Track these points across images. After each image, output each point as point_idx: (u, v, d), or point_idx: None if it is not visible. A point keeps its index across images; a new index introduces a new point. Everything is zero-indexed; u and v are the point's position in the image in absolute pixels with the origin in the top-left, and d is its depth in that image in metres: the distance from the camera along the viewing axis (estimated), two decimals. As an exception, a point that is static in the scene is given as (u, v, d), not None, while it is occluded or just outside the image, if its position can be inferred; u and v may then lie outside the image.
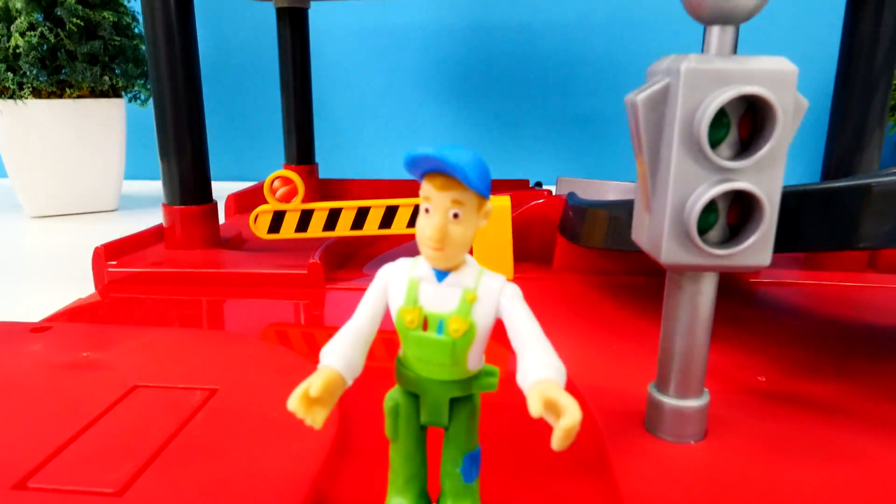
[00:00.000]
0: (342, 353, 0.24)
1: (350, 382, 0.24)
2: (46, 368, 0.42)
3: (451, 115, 1.45)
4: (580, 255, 0.63)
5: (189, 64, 0.67)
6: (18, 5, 0.93)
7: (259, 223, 0.62)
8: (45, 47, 0.95)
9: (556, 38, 1.39)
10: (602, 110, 1.41)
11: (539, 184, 0.97)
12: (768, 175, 0.29)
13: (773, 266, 0.66)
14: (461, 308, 0.24)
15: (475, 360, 0.25)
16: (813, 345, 0.47)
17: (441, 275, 0.24)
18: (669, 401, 0.33)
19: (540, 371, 0.22)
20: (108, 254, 0.64)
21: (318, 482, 0.30)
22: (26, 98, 0.95)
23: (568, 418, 0.20)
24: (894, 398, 0.39)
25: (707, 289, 0.32)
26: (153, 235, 0.73)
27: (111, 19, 1.01)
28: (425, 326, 0.24)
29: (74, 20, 0.96)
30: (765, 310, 0.55)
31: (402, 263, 0.26)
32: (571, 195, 0.62)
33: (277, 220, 0.62)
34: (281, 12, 1.02)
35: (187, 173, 0.69)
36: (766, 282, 0.61)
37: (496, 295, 0.24)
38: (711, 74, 0.28)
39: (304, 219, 0.62)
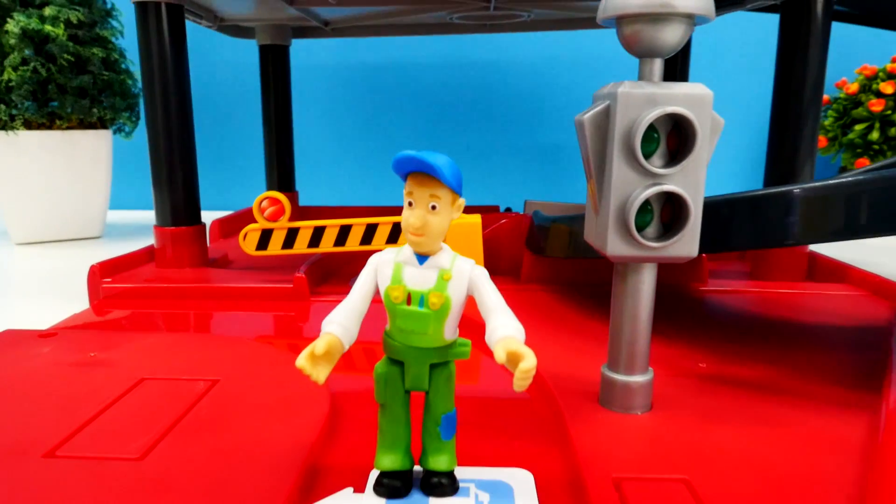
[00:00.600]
0: (341, 322, 0.29)
1: (346, 348, 0.29)
2: (58, 366, 0.45)
3: (424, 146, 1.51)
4: (545, 268, 0.68)
5: (181, 94, 0.72)
6: (12, 41, 0.97)
7: (248, 240, 0.66)
8: (37, 81, 0.99)
9: (523, 75, 1.48)
10: (566, 141, 1.49)
11: (509, 209, 1.04)
12: (692, 180, 0.34)
13: (721, 277, 0.72)
14: (438, 285, 0.29)
15: (450, 330, 0.30)
16: (750, 339, 0.53)
17: (422, 259, 0.29)
18: (619, 377, 0.38)
19: (504, 330, 0.27)
20: (102, 271, 0.68)
21: (315, 448, 0.34)
22: (18, 129, 0.98)
23: (526, 362, 0.25)
24: (816, 380, 0.44)
25: (647, 279, 0.37)
26: (144, 256, 0.76)
27: (100, 55, 1.06)
28: (409, 301, 0.29)
29: (66, 56, 1.00)
30: (712, 313, 0.61)
31: (389, 252, 0.31)
32: (536, 213, 0.68)
33: (265, 237, 0.66)
34: (263, 49, 1.08)
35: (178, 196, 0.73)
36: (715, 290, 0.67)
37: (467, 274, 0.29)
38: (642, 97, 0.34)
39: (291, 236, 0.66)
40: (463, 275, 0.29)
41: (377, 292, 0.30)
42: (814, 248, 0.77)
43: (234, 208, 1.51)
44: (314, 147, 1.52)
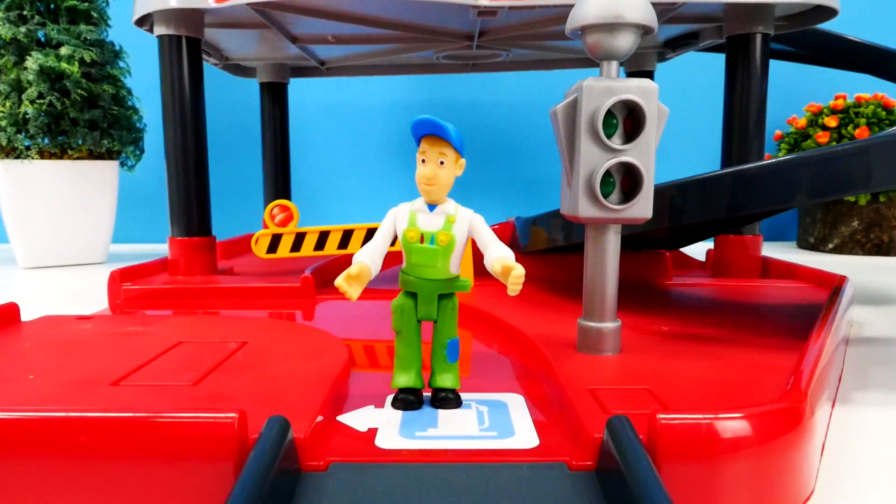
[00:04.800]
0: (369, 255, 0.36)
1: (373, 275, 0.36)
2: (103, 335, 0.51)
3: (410, 180, 1.60)
4: (526, 266, 0.76)
5: (197, 115, 0.80)
6: (31, 77, 1.05)
7: (259, 244, 0.73)
8: (52, 114, 1.07)
9: (502, 114, 1.59)
10: (543, 176, 1.60)
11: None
12: (645, 154, 0.43)
13: (686, 274, 0.80)
14: (445, 227, 0.36)
15: (454, 265, 0.37)
16: (708, 313, 0.61)
17: (431, 207, 0.37)
18: (593, 324, 0.46)
19: (498, 253, 0.35)
20: (122, 276, 0.74)
21: (339, 379, 0.41)
22: (33, 158, 1.05)
23: (516, 270, 0.33)
24: (761, 335, 0.52)
25: (612, 239, 0.45)
26: (158, 266, 0.83)
27: (110, 92, 1.14)
28: (422, 240, 0.37)
29: (79, 91, 1.08)
30: (675, 298, 0.69)
31: (404, 204, 0.38)
32: (518, 218, 0.76)
33: (275, 241, 0.73)
34: (263, 86, 1.17)
35: (191, 208, 0.80)
36: (678, 283, 0.75)
37: (468, 218, 0.37)
38: (603, 89, 0.42)
39: (298, 240, 0.73)
40: (464, 219, 0.37)
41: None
42: (766, 252, 0.86)
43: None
44: (309, 177, 1.61)
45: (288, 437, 0.30)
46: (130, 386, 0.39)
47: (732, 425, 0.30)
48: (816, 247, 1.40)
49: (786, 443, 0.31)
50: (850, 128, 1.30)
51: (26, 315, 0.59)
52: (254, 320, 0.56)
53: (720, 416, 0.30)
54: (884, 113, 1.29)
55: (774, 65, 0.94)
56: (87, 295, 0.91)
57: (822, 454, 0.38)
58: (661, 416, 0.29)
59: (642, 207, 0.43)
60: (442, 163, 0.36)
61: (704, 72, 1.53)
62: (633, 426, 0.30)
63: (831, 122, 1.31)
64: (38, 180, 1.09)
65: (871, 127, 1.28)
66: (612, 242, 0.45)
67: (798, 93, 1.55)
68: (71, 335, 0.51)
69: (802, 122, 1.39)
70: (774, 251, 1.40)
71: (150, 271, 0.81)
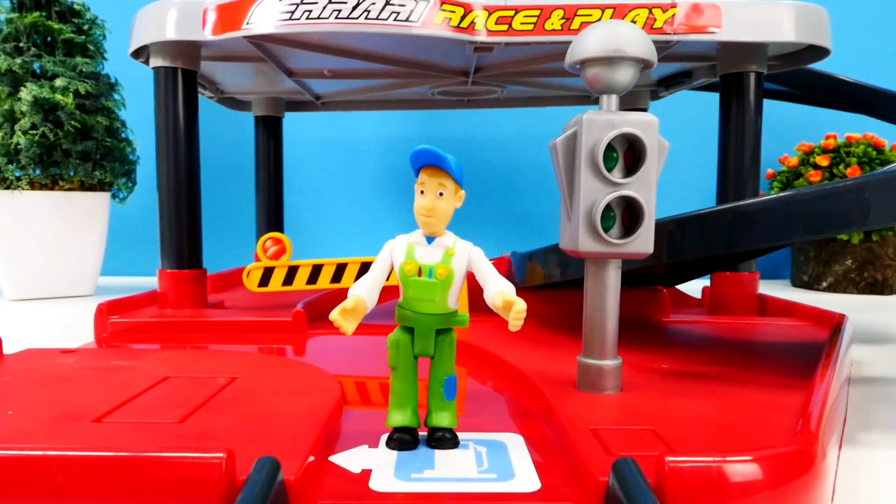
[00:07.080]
0: (365, 288, 0.35)
1: (369, 309, 0.35)
2: (86, 369, 0.49)
3: (404, 216, 1.60)
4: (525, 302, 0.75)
5: (191, 147, 0.79)
6: (24, 108, 1.04)
7: (251, 278, 0.72)
8: (44, 145, 1.06)
9: (495, 150, 1.60)
10: (537, 212, 1.60)
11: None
12: (646, 188, 0.42)
13: (683, 311, 0.79)
14: (444, 259, 0.36)
15: (453, 300, 0.36)
16: (707, 351, 0.60)
17: (430, 240, 0.36)
18: (593, 362, 0.45)
19: (498, 287, 0.34)
20: (110, 309, 0.72)
21: (332, 416, 0.39)
22: (24, 189, 1.04)
23: (518, 305, 0.32)
24: (763, 374, 0.51)
25: (612, 274, 0.44)
26: (147, 299, 0.81)
27: (104, 123, 1.13)
28: (419, 274, 0.36)
29: (73, 123, 1.08)
30: (675, 337, 0.68)
31: (401, 237, 0.37)
32: (514, 253, 0.75)
33: (267, 275, 0.72)
34: (258, 120, 1.17)
35: (182, 239, 0.79)
36: (677, 321, 0.74)
37: (467, 252, 0.36)
38: (603, 122, 0.42)
39: (290, 274, 0.72)
40: (463, 252, 0.36)
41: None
42: (761, 290, 0.86)
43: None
44: (302, 212, 1.60)
45: (278, 479, 0.29)
46: (113, 423, 0.37)
47: (743, 469, 0.28)
48: (810, 285, 1.40)
49: (798, 487, 0.30)
50: (841, 167, 1.31)
51: (10, 349, 0.57)
52: (243, 355, 0.55)
53: (730, 458, 0.28)
54: (874, 152, 1.31)
55: (764, 105, 0.96)
56: (74, 328, 0.89)
57: (832, 499, 0.36)
58: (670, 458, 0.28)
59: (643, 242, 0.42)
60: (441, 194, 0.35)
61: (696, 110, 1.55)
62: (640, 469, 0.28)
63: (823, 161, 1.33)
64: (27, 211, 1.07)
65: (863, 166, 1.30)
66: (613, 278, 0.44)
67: (788, 133, 1.57)
68: (53, 369, 0.49)
69: (794, 161, 1.40)
70: (768, 289, 1.39)
71: (138, 304, 0.79)
